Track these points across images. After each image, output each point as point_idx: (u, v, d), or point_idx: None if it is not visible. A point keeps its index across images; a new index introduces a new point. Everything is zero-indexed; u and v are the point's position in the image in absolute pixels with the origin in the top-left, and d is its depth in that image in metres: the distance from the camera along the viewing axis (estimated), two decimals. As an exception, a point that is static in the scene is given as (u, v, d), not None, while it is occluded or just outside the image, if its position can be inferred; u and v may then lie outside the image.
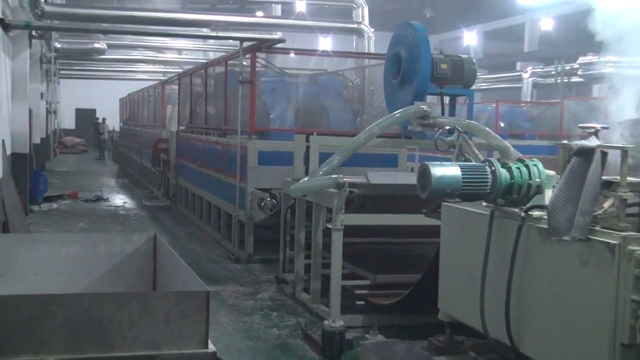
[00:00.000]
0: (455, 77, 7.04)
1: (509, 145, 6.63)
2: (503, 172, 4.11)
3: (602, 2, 4.36)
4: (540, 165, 4.14)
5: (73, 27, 15.79)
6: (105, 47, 21.96)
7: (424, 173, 4.21)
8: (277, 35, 14.22)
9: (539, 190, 4.08)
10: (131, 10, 15.25)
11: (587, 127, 3.81)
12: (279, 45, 10.63)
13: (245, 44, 10.18)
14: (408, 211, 6.21)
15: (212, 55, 23.78)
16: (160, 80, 21.64)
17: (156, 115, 18.84)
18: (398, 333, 5.98)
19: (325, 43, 24.52)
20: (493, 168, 4.13)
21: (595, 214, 3.57)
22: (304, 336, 6.11)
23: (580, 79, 22.39)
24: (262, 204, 8.43)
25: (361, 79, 11.56)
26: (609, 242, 3.40)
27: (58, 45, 21.17)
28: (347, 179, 6.33)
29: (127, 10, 15.27)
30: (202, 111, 12.88)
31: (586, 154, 3.64)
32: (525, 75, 25.55)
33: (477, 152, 4.85)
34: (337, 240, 6.32)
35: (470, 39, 30.72)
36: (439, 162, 4.24)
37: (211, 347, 2.90)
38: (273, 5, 18.54)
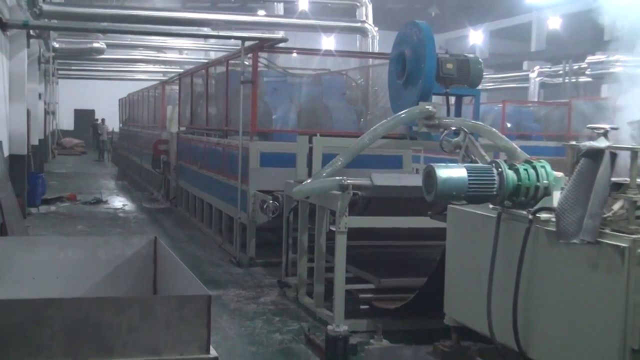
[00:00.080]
0: (461, 76, 7.04)
1: (515, 146, 6.63)
2: (510, 174, 4.11)
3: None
4: (548, 167, 4.14)
5: (72, 27, 15.82)
6: (105, 46, 21.99)
7: (430, 175, 4.20)
8: (280, 34, 14.23)
9: (547, 192, 4.08)
10: (131, 9, 15.29)
11: (595, 128, 3.80)
12: (281, 45, 10.65)
13: (247, 43, 10.19)
14: (413, 213, 6.21)
15: (213, 55, 23.81)
16: (161, 81, 21.66)
17: (156, 116, 18.85)
18: (403, 338, 5.98)
19: (328, 42, 24.51)
20: (500, 170, 4.13)
21: (605, 216, 3.57)
22: (307, 341, 6.11)
23: (589, 79, 22.36)
24: (265, 206, 8.43)
25: (365, 79, 11.56)
26: (619, 245, 3.40)
27: (56, 45, 21.20)
28: (350, 181, 6.33)
29: (127, 9, 15.31)
30: (203, 112, 12.89)
31: (595, 155, 3.64)
32: (532, 75, 25.53)
33: (483, 153, 4.84)
34: (341, 243, 6.32)
35: (476, 38, 30.73)
36: (444, 164, 4.24)
37: (213, 353, 2.90)
38: (275, 3, 18.57)
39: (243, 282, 8.46)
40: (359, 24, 16.63)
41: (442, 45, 9.00)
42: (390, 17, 25.48)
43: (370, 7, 17.00)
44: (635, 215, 3.55)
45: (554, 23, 27.02)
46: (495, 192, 4.13)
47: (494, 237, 4.19)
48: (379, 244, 7.70)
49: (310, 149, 7.51)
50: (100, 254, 4.18)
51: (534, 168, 4.12)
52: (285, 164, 8.72)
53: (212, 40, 22.74)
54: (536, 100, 24.01)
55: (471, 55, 7.38)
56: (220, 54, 18.39)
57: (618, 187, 3.63)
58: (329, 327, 5.57)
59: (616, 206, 3.61)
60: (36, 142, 18.49)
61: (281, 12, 18.45)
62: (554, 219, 3.77)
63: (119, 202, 16.13)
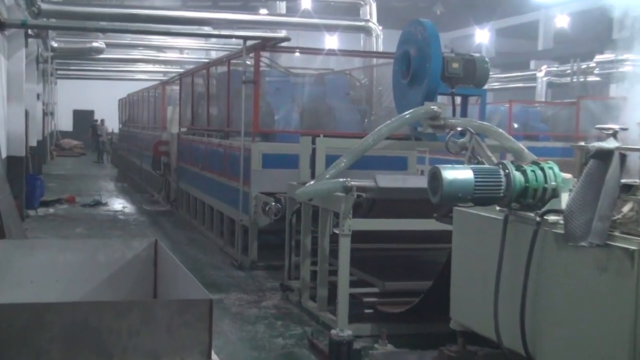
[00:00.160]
0: (467, 76, 7.04)
1: (523, 147, 6.61)
2: (517, 175, 4.10)
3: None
4: (556, 168, 4.13)
5: (70, 26, 15.83)
6: (104, 46, 22.02)
7: (435, 176, 4.20)
8: (282, 33, 14.24)
9: (555, 194, 4.07)
10: (130, 8, 15.27)
11: (604, 128, 3.80)
12: (283, 44, 10.66)
13: (249, 42, 10.20)
14: (418, 216, 6.21)
15: (214, 55, 23.82)
16: (161, 81, 21.69)
17: (156, 117, 18.87)
18: (408, 342, 5.98)
19: (331, 41, 24.54)
20: (507, 171, 4.12)
21: (614, 218, 3.56)
22: (310, 346, 6.11)
23: (597, 78, 22.37)
24: (267, 208, 8.43)
25: (369, 78, 11.56)
26: (629, 248, 3.39)
27: (55, 45, 21.23)
28: (354, 183, 6.33)
29: (127, 8, 15.30)
30: (204, 112, 12.90)
31: (604, 156, 3.63)
32: (539, 74, 25.52)
33: (490, 154, 4.83)
34: (345, 246, 6.31)
35: (482, 36, 30.69)
36: (450, 165, 4.24)
37: (214, 357, 2.90)
38: (277, 2, 18.55)
39: (245, 286, 8.47)
40: (362, 23, 16.61)
41: (447, 44, 9.02)
42: (395, 15, 25.48)
43: (374, 5, 16.98)
44: (645, 218, 3.55)
45: (562, 21, 26.99)
46: (502, 194, 4.13)
47: (501, 239, 4.19)
48: (383, 246, 7.70)
49: (313, 150, 7.51)
50: (100, 257, 4.18)
51: (542, 169, 4.11)
52: (287, 166, 8.72)
53: (213, 40, 22.74)
54: (543, 100, 24.00)
55: (477, 55, 7.38)
56: (221, 54, 18.40)
57: (628, 188, 3.62)
58: (333, 331, 5.57)
59: (626, 208, 3.60)
60: (34, 144, 18.54)
61: (283, 11, 18.45)
62: (562, 222, 3.77)
63: (118, 204, 16.15)
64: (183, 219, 13.77)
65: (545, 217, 3.93)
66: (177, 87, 16.36)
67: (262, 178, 9.22)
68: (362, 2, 17.17)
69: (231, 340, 6.39)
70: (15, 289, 3.97)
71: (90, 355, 2.76)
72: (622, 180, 3.62)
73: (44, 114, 27.34)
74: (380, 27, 16.57)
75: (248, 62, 9.83)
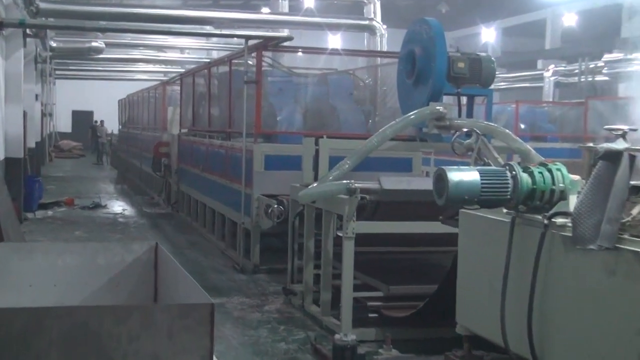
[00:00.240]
0: (473, 76, 7.04)
1: (530, 148, 6.62)
2: (524, 177, 4.10)
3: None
4: (563, 170, 4.13)
5: (69, 25, 15.85)
6: (103, 46, 22.06)
7: (441, 178, 4.20)
8: (284, 32, 14.27)
9: (563, 196, 4.07)
10: (130, 7, 15.30)
11: (613, 129, 3.80)
12: (286, 44, 10.67)
13: (251, 42, 10.20)
14: (423, 218, 6.20)
15: (215, 54, 23.86)
16: (161, 81, 21.73)
17: (157, 118, 18.90)
18: (413, 347, 5.97)
19: (335, 41, 24.56)
20: (514, 173, 4.12)
21: (623, 221, 3.56)
22: (313, 351, 6.11)
23: (606, 78, 22.36)
24: (269, 210, 8.44)
25: (373, 78, 11.56)
26: (638, 251, 3.39)
27: (54, 44, 21.28)
28: (358, 185, 6.33)
29: (126, 7, 15.33)
30: (206, 113, 12.91)
31: (613, 157, 3.63)
32: (546, 74, 25.51)
33: (496, 155, 4.83)
34: (349, 249, 6.31)
35: (488, 35, 30.71)
36: (456, 167, 4.24)
37: (216, 363, 2.90)
38: (280, 1, 18.57)
39: (247, 290, 8.47)
40: (366, 22, 16.63)
41: (452, 43, 9.00)
42: (399, 14, 25.48)
43: (378, 4, 17.00)
44: (655, 220, 3.55)
45: (570, 20, 26.98)
46: (509, 196, 4.13)
47: (507, 242, 4.19)
48: (387, 250, 7.69)
49: (317, 151, 7.51)
50: (100, 261, 4.18)
51: (549, 171, 4.11)
52: (290, 167, 8.73)
53: (215, 39, 22.75)
54: (551, 100, 23.98)
55: (483, 54, 7.39)
56: (223, 53, 18.43)
57: (637, 190, 3.62)
58: (336, 336, 5.57)
59: (635, 210, 3.60)
60: (33, 145, 18.57)
61: (286, 10, 18.47)
62: (570, 224, 3.77)
63: (118, 206, 16.16)
64: (184, 221, 13.78)
65: (553, 220, 3.92)
66: (178, 88, 16.38)
67: (265, 180, 9.22)
68: (366, 1, 17.18)
69: (233, 345, 6.39)
70: (14, 292, 3.97)
71: (90, 361, 2.76)
72: (632, 182, 3.61)
73: (43, 114, 27.38)
74: (385, 26, 16.58)
75: (250, 62, 9.84)
